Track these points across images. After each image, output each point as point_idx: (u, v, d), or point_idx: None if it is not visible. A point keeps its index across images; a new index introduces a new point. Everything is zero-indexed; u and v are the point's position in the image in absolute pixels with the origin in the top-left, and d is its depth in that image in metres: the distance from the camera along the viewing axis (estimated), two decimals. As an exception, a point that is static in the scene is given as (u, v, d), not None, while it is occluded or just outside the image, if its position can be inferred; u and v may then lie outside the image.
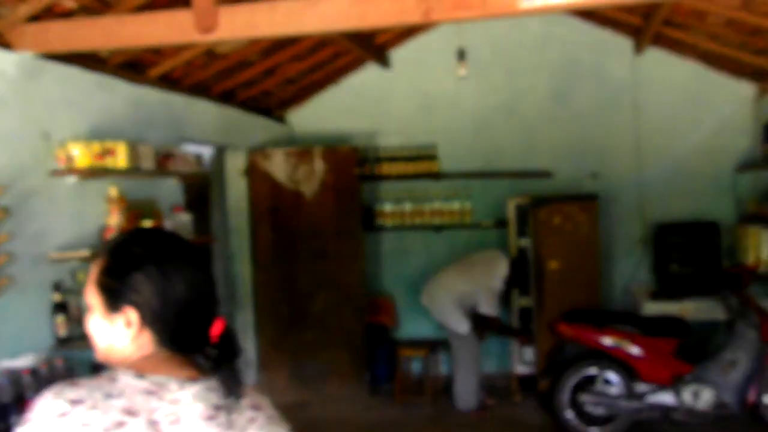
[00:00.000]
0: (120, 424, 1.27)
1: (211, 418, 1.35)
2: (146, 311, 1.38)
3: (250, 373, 6.82)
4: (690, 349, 6.31)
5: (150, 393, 1.33)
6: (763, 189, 6.74)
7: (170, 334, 1.40)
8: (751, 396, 5.51)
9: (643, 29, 6.62)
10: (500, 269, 6.23)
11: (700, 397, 5.51)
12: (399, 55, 7.59)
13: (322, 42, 6.29)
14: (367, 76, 7.64)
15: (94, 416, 1.27)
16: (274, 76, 6.61)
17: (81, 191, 4.29)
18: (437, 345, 6.79)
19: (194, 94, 5.87)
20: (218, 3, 3.65)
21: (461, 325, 6.19)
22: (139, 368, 1.36)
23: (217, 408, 1.37)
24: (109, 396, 1.30)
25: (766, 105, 6.80)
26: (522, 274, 6.43)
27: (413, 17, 3.34)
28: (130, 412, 1.29)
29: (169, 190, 5.38)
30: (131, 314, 1.38)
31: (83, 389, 1.31)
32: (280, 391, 6.77)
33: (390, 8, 3.38)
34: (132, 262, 1.40)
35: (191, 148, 5.70)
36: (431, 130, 7.48)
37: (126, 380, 1.33)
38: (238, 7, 3.67)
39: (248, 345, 6.82)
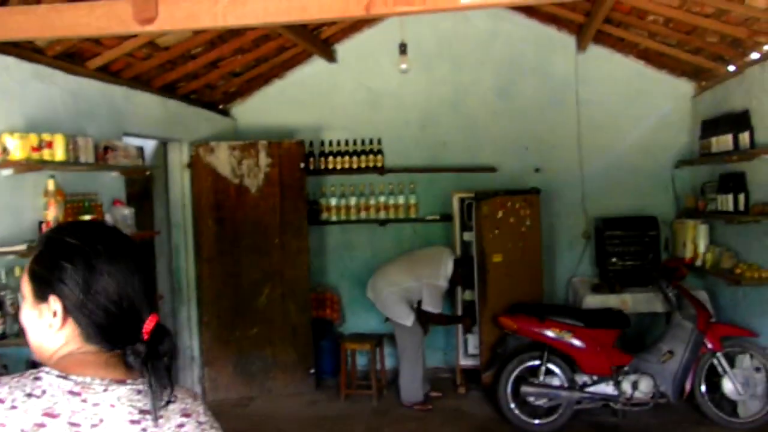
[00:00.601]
0: (39, 426, 1.23)
1: (135, 422, 1.31)
2: (70, 301, 1.34)
3: (193, 369, 6.74)
4: (629, 341, 6.47)
5: (73, 394, 1.28)
6: (700, 184, 6.91)
7: (96, 329, 1.36)
8: (688, 384, 5.67)
9: (586, 27, 6.73)
10: (445, 268, 6.27)
11: (639, 386, 5.64)
12: (345, 49, 7.59)
13: (266, 35, 6.24)
14: (312, 70, 7.61)
15: (13, 416, 1.24)
16: (218, 69, 6.54)
17: (17, 184, 4.19)
18: (382, 339, 6.80)
19: (136, 87, 5.77)
20: (157, -7, 3.59)
21: (406, 319, 6.21)
22: (65, 367, 1.32)
23: (143, 412, 1.33)
24: (30, 395, 1.27)
25: (704, 102, 6.97)
26: (467, 273, 6.47)
27: (355, 11, 3.33)
28: (51, 414, 1.25)
29: (110, 184, 5.28)
30: (55, 303, 1.35)
31: (4, 388, 1.28)
32: (225, 386, 6.72)
33: (332, 2, 3.36)
34: (62, 251, 1.37)
35: (133, 142, 5.61)
36: (377, 124, 7.49)
37: (49, 379, 1.30)
38: (178, -3, 3.62)
39: (192, 340, 6.75)
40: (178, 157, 6.72)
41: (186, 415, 1.42)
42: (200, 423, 1.44)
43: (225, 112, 7.62)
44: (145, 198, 6.98)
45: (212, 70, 6.51)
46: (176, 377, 6.74)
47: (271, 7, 3.46)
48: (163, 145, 6.77)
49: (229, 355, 6.72)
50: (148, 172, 6.46)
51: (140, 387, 1.35)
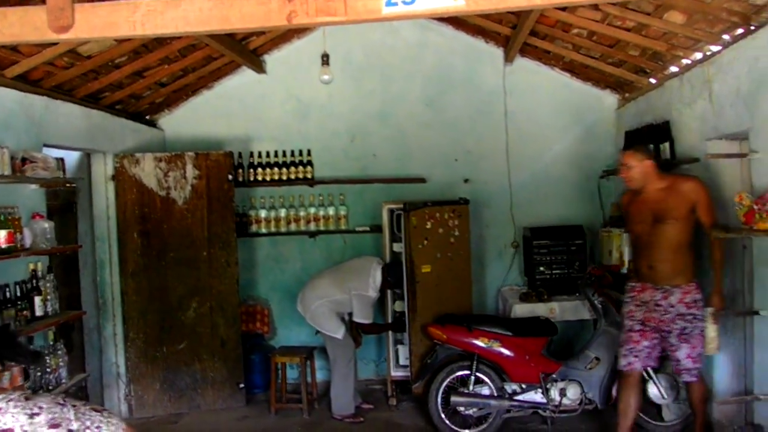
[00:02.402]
0: None
1: None
2: None
3: (119, 387, 6.56)
4: (558, 348, 6.55)
5: None
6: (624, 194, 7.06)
7: None
8: (614, 391, 5.75)
9: (512, 39, 6.83)
10: (373, 279, 6.25)
11: (567, 393, 5.71)
12: (274, 60, 7.54)
13: (192, 45, 6.16)
14: (241, 81, 7.54)
15: None
16: (143, 79, 6.41)
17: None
18: (313, 351, 6.74)
19: (57, 96, 5.61)
20: (74, 1, 3.49)
21: (336, 331, 6.18)
22: None
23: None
24: None
25: (627, 114, 7.14)
26: (397, 276, 6.45)
27: (277, 21, 3.30)
28: None
29: (29, 197, 5.13)
30: None
31: None
32: (152, 403, 6.57)
33: (253, 11, 3.33)
34: None
35: (54, 153, 5.44)
36: (306, 135, 7.46)
37: None
38: (95, 5, 3.52)
39: (117, 357, 6.57)
40: (102, 169, 6.55)
41: (54, 426, 1.37)
42: (72, 431, 1.38)
43: (152, 123, 7.48)
44: (68, 211, 6.80)
45: (137, 80, 6.38)
46: (101, 395, 6.56)
47: (191, 16, 3.41)
48: (87, 156, 6.59)
49: (156, 372, 6.57)
50: (70, 185, 6.30)
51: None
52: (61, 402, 1.44)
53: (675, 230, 4.73)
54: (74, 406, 1.44)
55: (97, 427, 1.42)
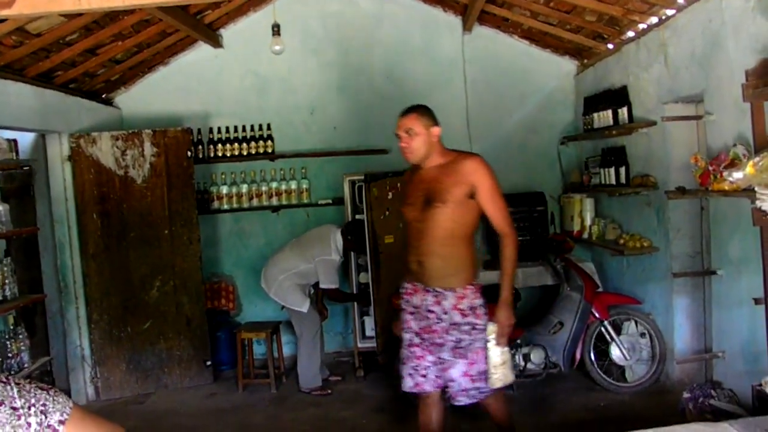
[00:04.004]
0: None
1: None
2: None
3: (84, 369, 6.50)
4: (522, 314, 6.60)
5: None
6: (584, 159, 7.13)
7: None
8: (578, 353, 5.87)
9: (470, 7, 6.81)
10: (335, 241, 6.25)
11: (532, 358, 5.79)
12: (230, 34, 7.44)
13: (146, 20, 6.05)
14: (198, 56, 7.43)
15: None
16: (97, 56, 6.27)
17: None
18: (279, 326, 6.73)
19: (7, 76, 5.46)
20: (16, -25, 3.40)
21: (301, 305, 6.17)
22: None
23: None
24: None
25: (585, 80, 7.18)
26: (358, 237, 6.42)
27: (226, -8, 3.24)
28: None
29: (-19, 180, 5.01)
30: None
31: None
32: (119, 385, 6.53)
33: (201, -18, 3.27)
34: None
35: (5, 135, 5.33)
36: (265, 110, 7.38)
37: None
38: (38, -21, 3.43)
39: (82, 340, 6.50)
40: (58, 149, 6.42)
41: None
42: (15, 409, 1.37)
43: (108, 102, 7.34)
44: (25, 194, 6.66)
45: (90, 58, 6.24)
46: (67, 378, 6.50)
47: (138, -11, 3.34)
48: (42, 137, 6.46)
49: (121, 353, 6.52)
50: (25, 167, 6.18)
51: None
52: (4, 380, 1.42)
53: (445, 217, 3.75)
54: (18, 384, 1.42)
55: (43, 405, 1.40)
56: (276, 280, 6.19)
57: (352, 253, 6.73)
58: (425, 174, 3.92)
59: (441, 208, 3.74)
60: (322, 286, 6.31)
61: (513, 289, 3.90)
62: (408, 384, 4.02)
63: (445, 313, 3.82)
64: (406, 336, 4.02)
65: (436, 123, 3.93)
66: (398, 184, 6.37)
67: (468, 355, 3.82)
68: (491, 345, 3.84)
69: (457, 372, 3.84)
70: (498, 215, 3.85)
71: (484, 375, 3.85)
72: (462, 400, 3.90)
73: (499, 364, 3.85)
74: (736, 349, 4.74)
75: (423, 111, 3.96)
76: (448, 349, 3.84)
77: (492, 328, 3.85)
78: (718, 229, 5.00)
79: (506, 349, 3.90)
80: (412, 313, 3.97)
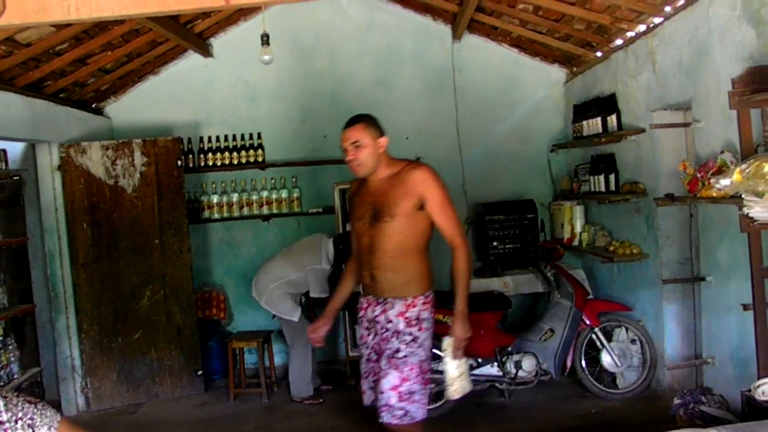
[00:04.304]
0: None
1: None
2: None
3: (75, 380, 6.47)
4: (514, 322, 6.64)
5: None
6: (574, 166, 7.16)
7: None
8: (569, 360, 5.88)
9: (459, 16, 6.84)
10: (326, 250, 6.24)
11: (523, 365, 5.79)
12: (220, 43, 7.45)
13: (136, 29, 6.06)
14: (188, 66, 7.43)
15: None
16: (87, 66, 6.28)
17: None
18: (270, 335, 6.72)
19: (-4, 87, 5.48)
20: (5, -15, 3.40)
21: (292, 314, 6.16)
22: None
23: None
24: None
25: (575, 87, 7.21)
26: (350, 246, 6.42)
27: (215, 2, 3.21)
28: None
29: (-30, 190, 4.99)
30: None
31: None
32: (110, 395, 6.50)
33: (191, -8, 3.27)
34: None
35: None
36: (256, 119, 7.38)
37: None
38: (28, -10, 3.43)
39: (72, 350, 6.47)
40: (48, 159, 6.41)
41: None
42: (2, 423, 1.38)
43: (98, 111, 7.33)
44: (15, 203, 6.64)
45: (81, 67, 6.25)
46: (57, 389, 6.47)
47: (128, -1, 3.34)
48: (32, 147, 6.45)
49: (112, 363, 6.49)
50: (14, 176, 6.16)
51: None
52: None
53: (395, 231, 3.60)
54: (5, 397, 1.42)
55: (30, 419, 1.40)
56: (267, 289, 6.18)
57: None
58: (372, 187, 3.75)
59: (390, 223, 3.59)
60: (312, 295, 6.30)
61: (468, 301, 3.73)
62: (368, 399, 3.87)
63: (390, 321, 3.65)
64: (364, 351, 3.86)
65: (382, 133, 3.77)
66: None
67: (402, 369, 3.60)
68: (447, 359, 3.68)
69: (387, 384, 3.60)
70: (448, 227, 3.69)
71: (415, 399, 3.59)
72: (384, 417, 3.62)
73: (456, 377, 3.72)
74: (725, 355, 4.76)
75: (369, 121, 3.80)
76: (385, 358, 3.64)
77: (448, 341, 3.68)
78: (706, 236, 5.03)
79: (463, 360, 3.72)
80: (367, 328, 3.81)
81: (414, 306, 3.65)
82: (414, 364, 3.61)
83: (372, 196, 3.71)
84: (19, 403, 1.42)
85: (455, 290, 3.73)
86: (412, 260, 3.68)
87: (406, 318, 3.63)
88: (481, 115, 7.52)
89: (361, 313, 3.87)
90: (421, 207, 3.61)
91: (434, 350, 3.88)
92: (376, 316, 3.70)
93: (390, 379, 3.59)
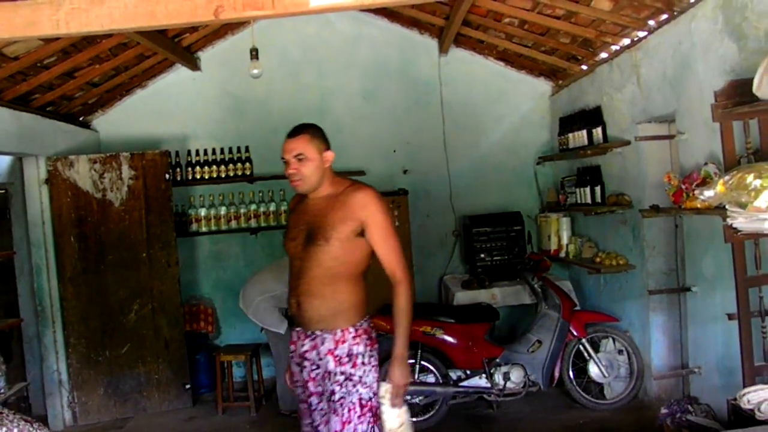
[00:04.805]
0: None
1: None
2: None
3: (62, 394, 6.43)
4: (501, 333, 6.66)
5: None
6: (560, 179, 7.21)
7: None
8: (557, 371, 5.90)
9: (446, 30, 6.90)
10: None
11: (511, 377, 5.81)
12: (208, 57, 7.47)
13: (123, 43, 6.07)
14: (176, 79, 7.44)
15: None
16: (74, 79, 6.29)
17: None
18: (259, 348, 6.70)
19: (-18, 100, 5.47)
20: (-7, 0, 3.41)
21: (279, 326, 6.14)
22: None
23: None
24: None
25: (560, 100, 7.27)
26: None
27: (204, 16, 3.27)
28: None
29: (-44, 204, 4.97)
30: None
31: None
32: (97, 409, 6.46)
33: (180, 7, 3.28)
34: None
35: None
36: (243, 132, 7.39)
37: None
38: (16, 4, 3.44)
39: (59, 364, 6.44)
40: (35, 172, 6.39)
41: None
42: None
43: (86, 124, 7.33)
44: (2, 217, 6.63)
45: (68, 81, 6.26)
46: (44, 404, 6.43)
47: (116, 13, 3.35)
48: (19, 160, 6.44)
49: (99, 377, 6.46)
50: (1, 190, 6.14)
51: None
52: None
53: (328, 256, 3.22)
54: (1, 413, 1.42)
55: None
56: (254, 301, 6.16)
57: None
58: (311, 205, 3.37)
59: (323, 247, 3.21)
60: None
61: (408, 343, 3.29)
62: None
63: (321, 359, 3.27)
64: (298, 390, 3.46)
65: (329, 146, 3.41)
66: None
67: (340, 412, 3.20)
68: (385, 408, 3.25)
69: (329, 430, 3.24)
70: (389, 258, 3.29)
71: None
72: None
73: (396, 427, 3.27)
74: (711, 364, 4.80)
75: (315, 132, 3.44)
76: (325, 400, 3.29)
77: (386, 388, 3.25)
78: (692, 247, 5.08)
79: (403, 409, 3.30)
80: (298, 364, 3.39)
81: (343, 341, 3.24)
82: (353, 404, 3.20)
83: (309, 216, 3.34)
84: (15, 420, 1.43)
85: (395, 331, 3.27)
86: (342, 288, 3.28)
87: (336, 356, 3.24)
88: (468, 128, 7.56)
89: (292, 347, 3.47)
90: (361, 233, 3.23)
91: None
92: (306, 351, 3.31)
93: (332, 425, 3.23)
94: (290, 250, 3.41)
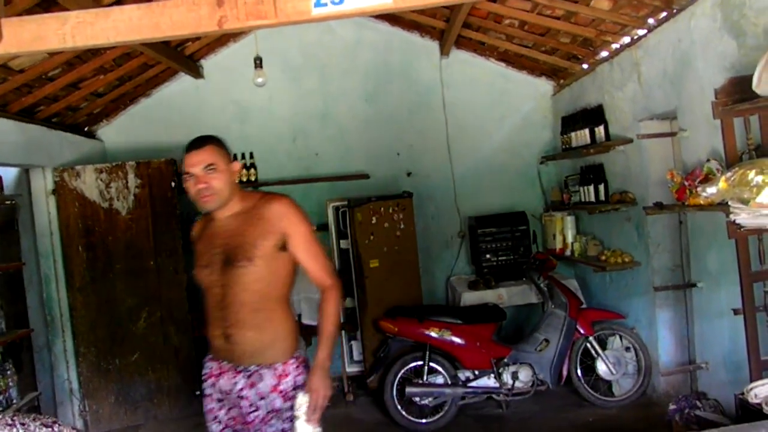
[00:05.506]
0: None
1: None
2: None
3: (73, 403, 6.48)
4: (509, 333, 6.69)
5: None
6: (563, 178, 7.23)
7: None
8: (564, 370, 5.93)
9: (447, 32, 6.93)
10: None
11: (519, 376, 5.84)
12: (211, 64, 7.50)
13: (127, 53, 6.12)
14: (179, 87, 7.47)
15: None
16: (79, 90, 6.32)
17: None
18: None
19: (-10, 113, 5.52)
20: (1, 15, 3.45)
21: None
22: None
23: None
24: None
25: (562, 99, 7.30)
26: (345, 285, 6.49)
27: (207, 27, 3.30)
28: None
29: (-35, 216, 5.02)
30: None
31: None
32: (108, 417, 6.50)
33: (184, 18, 3.32)
34: None
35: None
36: (248, 138, 7.40)
37: None
38: (23, 19, 3.48)
39: (70, 373, 6.49)
40: (42, 183, 6.45)
41: None
42: None
43: (91, 135, 7.37)
44: (10, 228, 6.67)
45: (73, 92, 6.30)
46: (55, 413, 6.47)
47: (122, 26, 3.39)
48: (26, 172, 6.49)
49: (110, 385, 6.51)
50: (8, 201, 6.19)
51: None
52: (10, 422, 1.45)
53: (254, 278, 2.97)
54: (23, 424, 1.45)
55: None
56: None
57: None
58: (221, 226, 3.10)
59: (247, 268, 2.96)
60: (304, 321, 6.25)
61: (332, 351, 3.01)
62: None
63: (262, 398, 3.00)
64: (213, 428, 3.21)
65: (234, 157, 3.22)
66: (381, 209, 6.45)
67: None
68: (300, 423, 2.88)
69: None
70: (316, 266, 3.09)
71: None
72: None
73: None
74: (718, 359, 4.82)
75: (219, 142, 3.23)
76: None
77: (303, 399, 2.90)
78: (696, 243, 5.10)
79: (318, 430, 2.92)
80: (220, 400, 3.14)
81: (286, 375, 3.01)
82: None
83: (222, 237, 3.06)
84: (37, 428, 1.45)
85: (320, 336, 3.00)
86: (277, 314, 3.06)
87: (281, 392, 2.99)
88: (471, 129, 7.59)
89: (210, 381, 3.18)
90: (284, 247, 3.02)
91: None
92: (240, 390, 3.02)
93: None
94: (205, 279, 3.09)
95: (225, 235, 3.05)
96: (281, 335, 3.05)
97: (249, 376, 3.01)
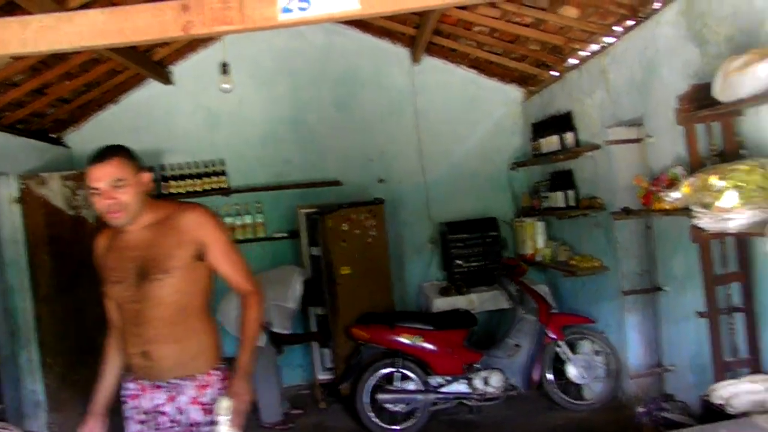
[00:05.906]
0: None
1: None
2: None
3: (39, 416, 6.37)
4: (481, 338, 6.70)
5: None
6: (534, 183, 7.28)
7: None
8: (536, 374, 5.95)
9: (417, 39, 6.95)
10: (293, 290, 6.23)
11: (491, 381, 5.85)
12: (181, 70, 7.44)
13: (95, 59, 6.05)
14: (148, 93, 7.41)
15: None
16: (45, 96, 6.25)
17: None
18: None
19: (-48, 120, 5.43)
20: (-40, 20, 3.40)
21: (258, 339, 6.13)
22: None
23: None
24: None
25: (532, 106, 7.35)
26: (317, 293, 6.49)
27: (173, 32, 3.28)
28: None
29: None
30: None
31: None
32: (75, 430, 6.39)
33: (149, 23, 3.29)
34: None
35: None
36: (218, 145, 7.37)
37: None
38: (-16, 24, 3.44)
39: (35, 385, 6.38)
40: (7, 191, 6.33)
41: None
42: None
43: (58, 141, 7.28)
44: (-26, 237, 6.57)
45: (38, 98, 6.21)
46: (21, 426, 6.36)
47: (85, 30, 3.35)
48: (-9, 179, 6.40)
49: (77, 397, 6.38)
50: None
51: None
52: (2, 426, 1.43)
53: (172, 290, 2.87)
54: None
55: None
56: (231, 314, 6.14)
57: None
58: (131, 239, 2.95)
59: (164, 280, 2.85)
60: (273, 329, 6.17)
61: (254, 355, 3.02)
62: None
63: (181, 412, 2.93)
64: None
65: (145, 168, 3.06)
66: (352, 216, 6.44)
67: None
68: (222, 428, 2.76)
69: None
70: (237, 274, 3.04)
71: None
72: None
73: None
74: (685, 362, 4.87)
75: (127, 153, 3.02)
76: None
77: (227, 404, 2.79)
78: (662, 247, 5.15)
79: None
80: (142, 422, 3.00)
81: (208, 386, 2.94)
82: None
83: (133, 251, 2.92)
84: None
85: (242, 341, 3.00)
86: (197, 325, 2.98)
87: (202, 404, 2.92)
88: (443, 136, 7.62)
89: (132, 402, 3.05)
90: (201, 257, 2.93)
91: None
92: (160, 405, 2.94)
93: None
94: (118, 294, 2.97)
95: (138, 247, 2.92)
96: (203, 347, 2.99)
97: (169, 391, 2.94)
